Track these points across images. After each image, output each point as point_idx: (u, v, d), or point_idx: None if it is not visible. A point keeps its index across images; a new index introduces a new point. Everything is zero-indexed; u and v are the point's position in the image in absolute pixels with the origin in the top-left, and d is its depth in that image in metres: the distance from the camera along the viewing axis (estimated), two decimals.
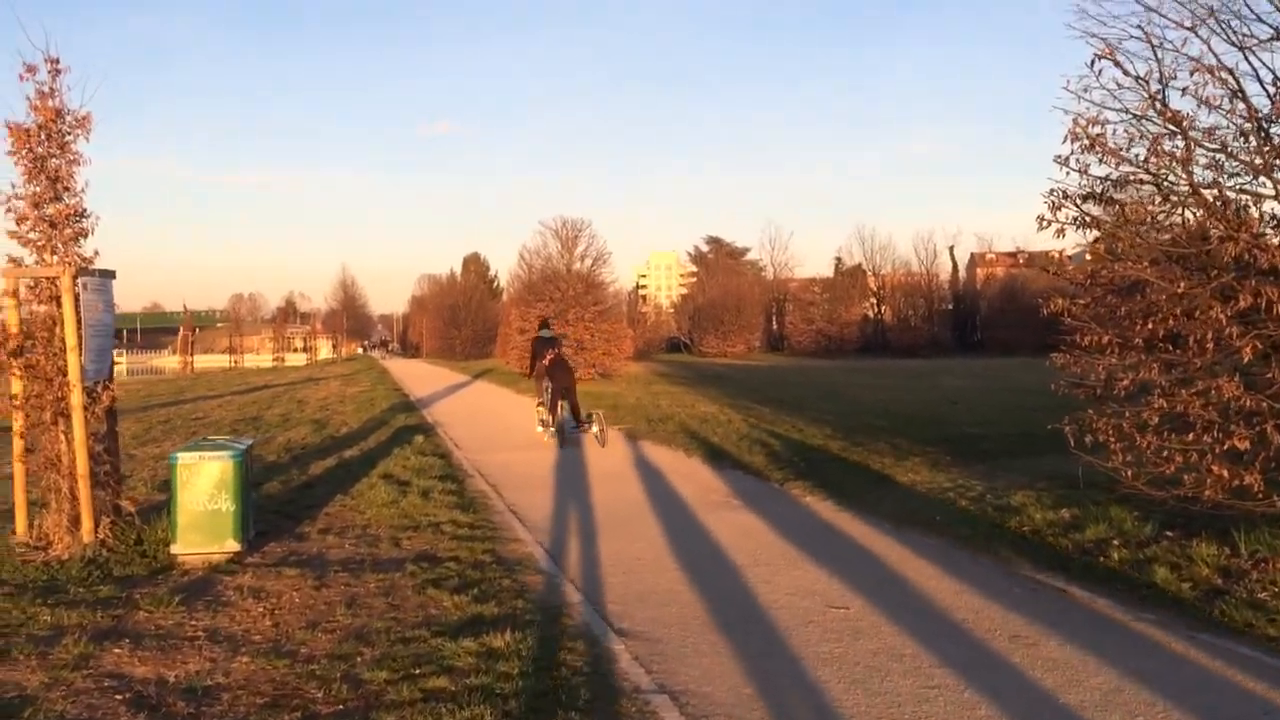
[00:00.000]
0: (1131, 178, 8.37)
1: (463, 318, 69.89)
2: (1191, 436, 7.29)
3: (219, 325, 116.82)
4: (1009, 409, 21.51)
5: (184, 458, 7.75)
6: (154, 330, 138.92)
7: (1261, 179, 7.58)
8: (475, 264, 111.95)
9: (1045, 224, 8.69)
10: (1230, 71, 7.59)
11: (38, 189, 7.81)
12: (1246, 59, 7.65)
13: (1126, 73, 8.22)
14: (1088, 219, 8.66)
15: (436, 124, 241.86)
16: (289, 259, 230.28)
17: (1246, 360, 7.13)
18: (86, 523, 7.62)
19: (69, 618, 6.09)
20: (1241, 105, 7.60)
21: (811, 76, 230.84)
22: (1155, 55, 7.97)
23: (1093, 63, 8.13)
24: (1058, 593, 7.03)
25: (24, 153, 7.78)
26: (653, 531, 9.22)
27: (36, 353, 7.72)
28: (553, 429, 16.57)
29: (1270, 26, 7.67)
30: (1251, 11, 7.78)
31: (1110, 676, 5.30)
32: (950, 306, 79.46)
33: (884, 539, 8.85)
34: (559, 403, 16.86)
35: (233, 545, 7.77)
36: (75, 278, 7.66)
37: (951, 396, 25.79)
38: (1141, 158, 8.13)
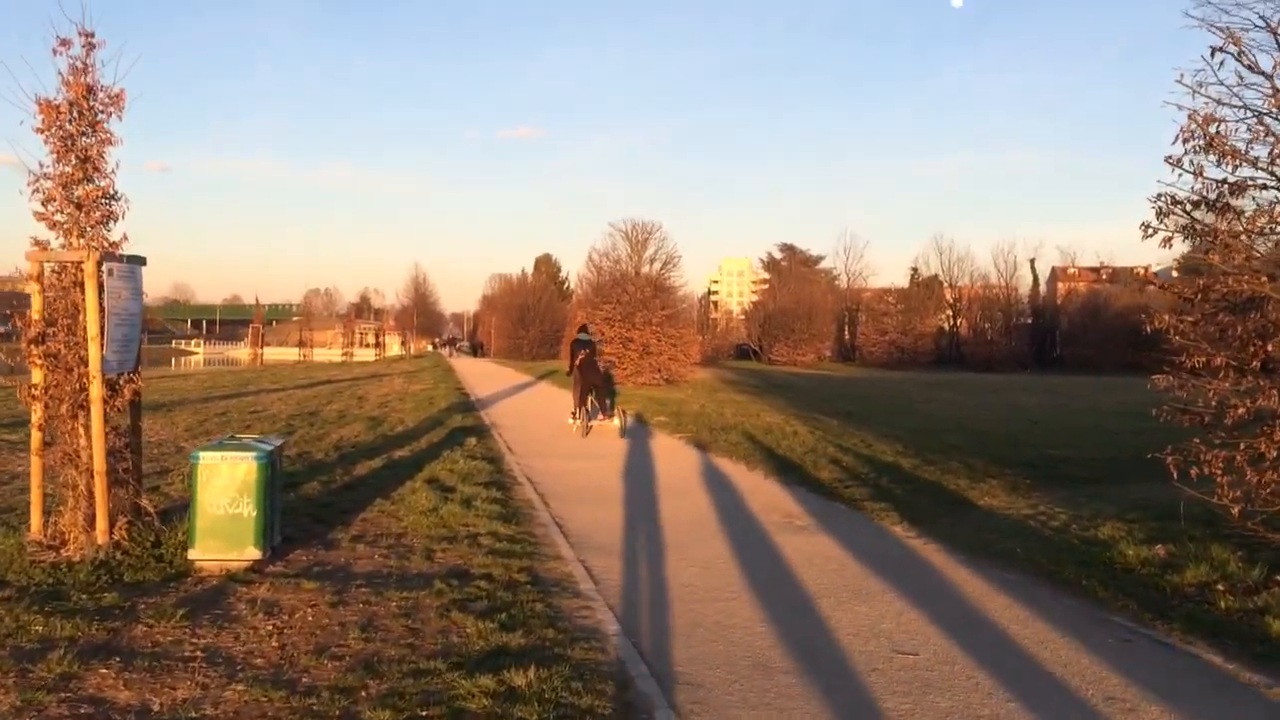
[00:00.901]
0: (1251, 182, 7.50)
1: (531, 318, 69.73)
2: None
3: (294, 319, 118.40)
4: (1092, 431, 20.47)
5: (205, 457, 7.27)
6: (233, 322, 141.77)
7: None
8: (546, 265, 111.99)
9: (1150, 231, 7.85)
10: None
11: (67, 169, 7.41)
12: None
13: (1250, 66, 7.37)
14: (1198, 227, 7.79)
15: (518, 128, 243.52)
16: (366, 256, 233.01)
17: None
18: (101, 523, 7.18)
19: (62, 629, 5.62)
20: None
21: (891, 86, 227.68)
22: None
23: (1213, 53, 7.30)
24: (1157, 645, 6.21)
25: (54, 130, 7.38)
26: (707, 554, 8.55)
27: (58, 341, 7.31)
28: (580, 420, 18.42)
29: None
30: None
31: None
32: (1029, 321, 77.36)
33: (959, 571, 8.06)
34: (588, 397, 18.72)
35: (253, 553, 7.27)
36: (100, 263, 7.23)
37: (1031, 415, 24.69)
38: (1265, 159, 7.27)
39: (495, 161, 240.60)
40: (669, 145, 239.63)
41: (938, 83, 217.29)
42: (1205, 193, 7.55)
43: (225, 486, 7.23)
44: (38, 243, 7.41)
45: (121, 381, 7.54)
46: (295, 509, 9.75)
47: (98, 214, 7.45)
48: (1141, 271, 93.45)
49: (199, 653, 5.40)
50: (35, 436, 7.45)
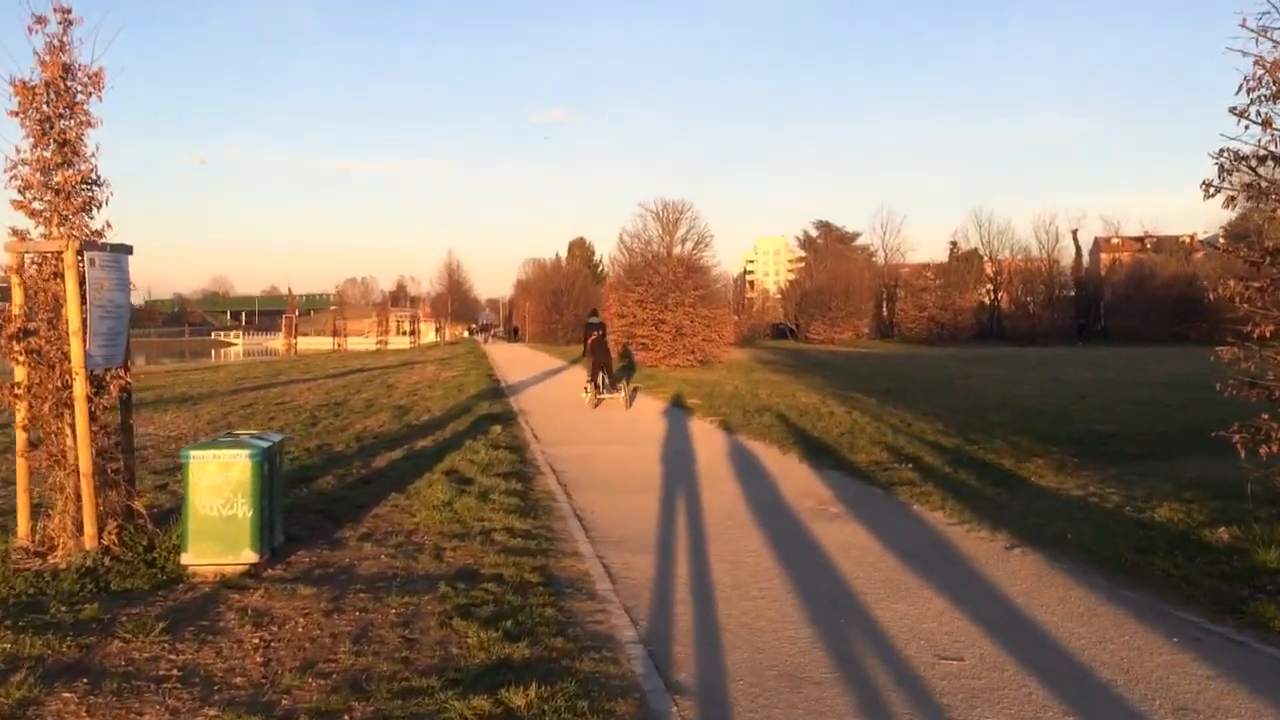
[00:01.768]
0: None
1: (565, 302, 69.32)
2: None
3: (331, 308, 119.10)
4: (1142, 404, 19.68)
5: (196, 455, 6.85)
6: (272, 313, 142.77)
7: None
8: (580, 248, 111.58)
9: (1212, 191, 7.18)
10: None
11: (45, 153, 6.99)
12: None
13: None
14: (1264, 184, 7.12)
15: (551, 111, 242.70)
16: (403, 244, 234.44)
17: None
18: (89, 527, 6.78)
19: (31, 646, 5.20)
20: None
21: (926, 55, 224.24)
22: None
23: None
24: (1230, 644, 5.61)
25: (30, 113, 6.96)
26: (734, 546, 8.02)
27: (39, 336, 6.91)
28: (590, 393, 21.23)
29: None
30: None
31: None
32: (1072, 293, 75.88)
33: (1005, 562, 7.48)
34: (599, 373, 21.60)
35: (249, 556, 6.84)
36: (80, 252, 6.80)
37: (1078, 389, 23.89)
38: None
39: (529, 145, 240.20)
40: (702, 124, 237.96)
41: (974, 50, 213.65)
42: (1273, 146, 6.87)
43: (218, 486, 6.80)
44: (16, 232, 7.03)
45: (108, 377, 7.14)
46: (306, 505, 9.36)
47: (78, 200, 7.03)
48: (1188, 240, 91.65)
49: (175, 671, 4.96)
50: (20, 437, 7.08)
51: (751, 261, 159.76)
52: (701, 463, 12.72)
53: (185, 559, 6.79)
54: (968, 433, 14.80)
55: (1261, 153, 6.97)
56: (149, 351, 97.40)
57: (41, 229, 7.04)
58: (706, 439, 15.19)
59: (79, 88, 7.08)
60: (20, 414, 7.00)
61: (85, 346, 6.78)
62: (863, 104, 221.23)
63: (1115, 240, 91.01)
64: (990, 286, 77.74)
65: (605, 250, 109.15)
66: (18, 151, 6.96)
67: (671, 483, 11.17)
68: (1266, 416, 6.88)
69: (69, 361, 6.81)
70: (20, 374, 6.95)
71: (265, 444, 7.12)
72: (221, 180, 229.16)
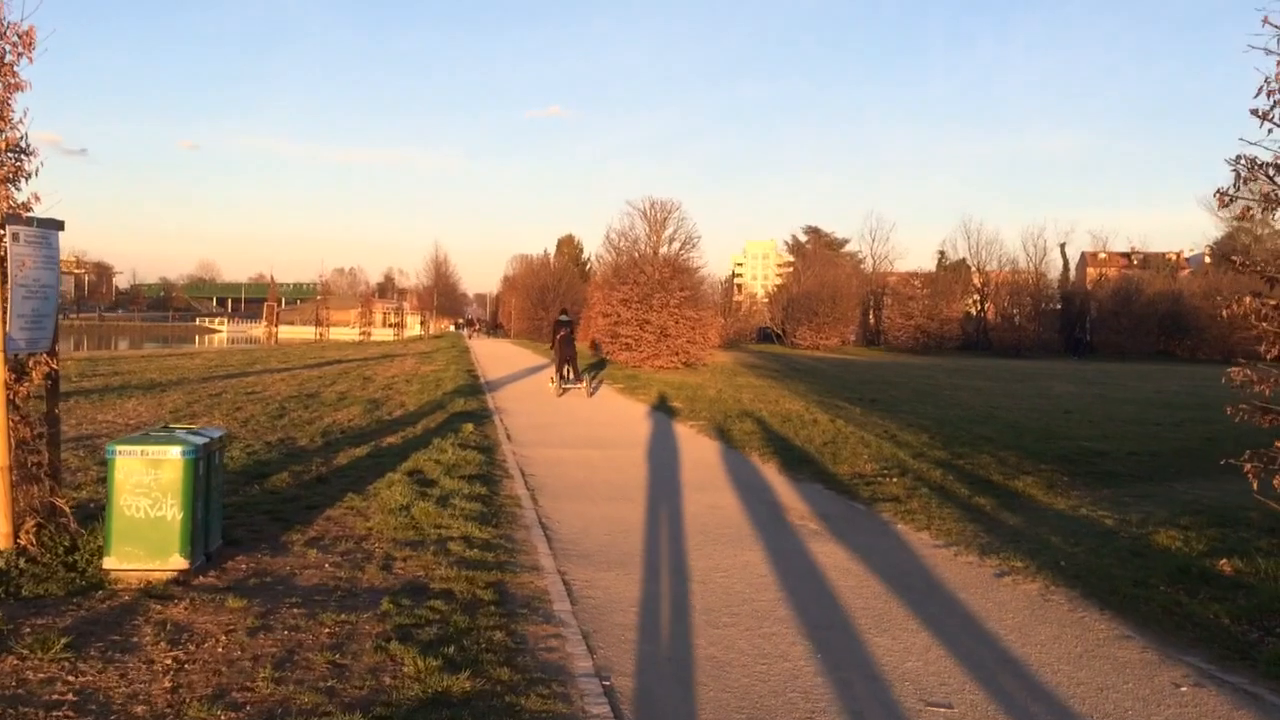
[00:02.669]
0: None
1: (551, 299, 68.59)
2: None
3: (318, 298, 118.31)
4: (1130, 422, 19.23)
5: (122, 450, 6.29)
6: (259, 300, 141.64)
7: None
8: (569, 246, 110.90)
9: (1227, 200, 6.70)
10: None
11: None
12: None
13: None
14: None
15: (547, 108, 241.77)
16: (392, 236, 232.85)
17: None
18: (3, 525, 6.22)
19: None
20: None
21: (920, 66, 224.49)
22: None
23: None
24: (1243, 695, 5.11)
25: None
26: (707, 565, 7.50)
27: None
28: (558, 384, 23.30)
29: None
30: None
31: None
32: (1058, 306, 75.62)
33: (995, 592, 6.97)
34: (565, 366, 23.63)
35: (178, 562, 6.29)
36: (2, 225, 6.24)
37: (1063, 404, 23.46)
38: None
39: (523, 142, 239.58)
40: (696, 126, 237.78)
41: (967, 63, 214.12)
42: None
43: (146, 485, 6.25)
44: None
45: (31, 363, 6.57)
46: (254, 504, 8.81)
47: (3, 170, 6.46)
48: (1174, 257, 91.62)
49: (70, 696, 4.41)
50: None
51: (740, 265, 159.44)
52: (678, 470, 12.20)
53: (108, 563, 6.23)
54: (953, 446, 14.33)
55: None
56: (132, 336, 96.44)
57: None
58: (685, 445, 14.67)
59: (7, 47, 6.51)
60: None
61: (5, 328, 6.22)
62: (856, 111, 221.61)
63: (1102, 255, 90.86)
64: (977, 297, 77.39)
65: (594, 248, 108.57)
66: None
67: (644, 491, 10.66)
68: None
69: None
70: None
71: (201, 440, 6.57)
72: (212, 166, 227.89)
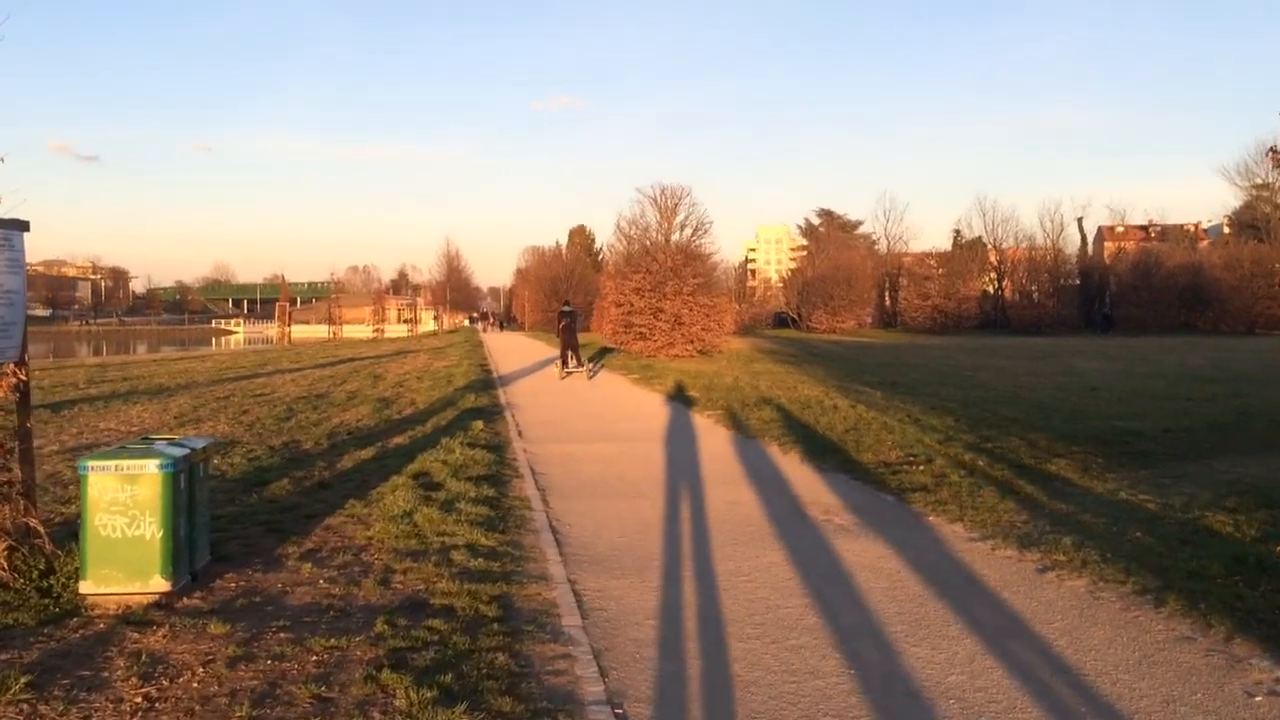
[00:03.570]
0: None
1: (564, 290, 68.21)
2: None
3: (332, 297, 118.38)
4: (1159, 397, 18.65)
5: (95, 466, 5.86)
6: (273, 300, 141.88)
7: None
8: (580, 236, 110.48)
9: None
10: None
11: None
12: None
13: None
14: None
15: (552, 99, 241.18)
16: (405, 232, 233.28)
17: None
18: None
19: None
20: None
21: (933, 41, 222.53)
22: None
23: None
24: None
25: None
26: (729, 569, 7.02)
27: None
28: (563, 370, 25.83)
29: None
30: None
31: None
32: (1077, 282, 74.70)
33: (1040, 590, 6.47)
34: (567, 352, 26.32)
35: (160, 584, 5.86)
36: None
37: (1088, 381, 22.87)
38: None
39: (533, 134, 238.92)
40: (706, 113, 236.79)
41: (980, 37, 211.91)
42: None
43: (122, 503, 5.82)
44: None
45: None
46: (252, 514, 8.39)
47: None
48: (1192, 229, 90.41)
49: None
50: None
51: (753, 250, 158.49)
52: (695, 464, 11.73)
53: (84, 588, 5.81)
54: (980, 429, 13.82)
55: None
56: (150, 340, 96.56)
57: None
58: (702, 436, 14.20)
59: None
60: None
61: None
62: (866, 90, 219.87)
63: (1120, 229, 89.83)
64: (994, 275, 76.53)
65: (606, 238, 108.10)
66: None
67: (660, 487, 10.19)
68: None
69: None
70: None
71: (181, 451, 6.13)
72: (225, 168, 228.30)
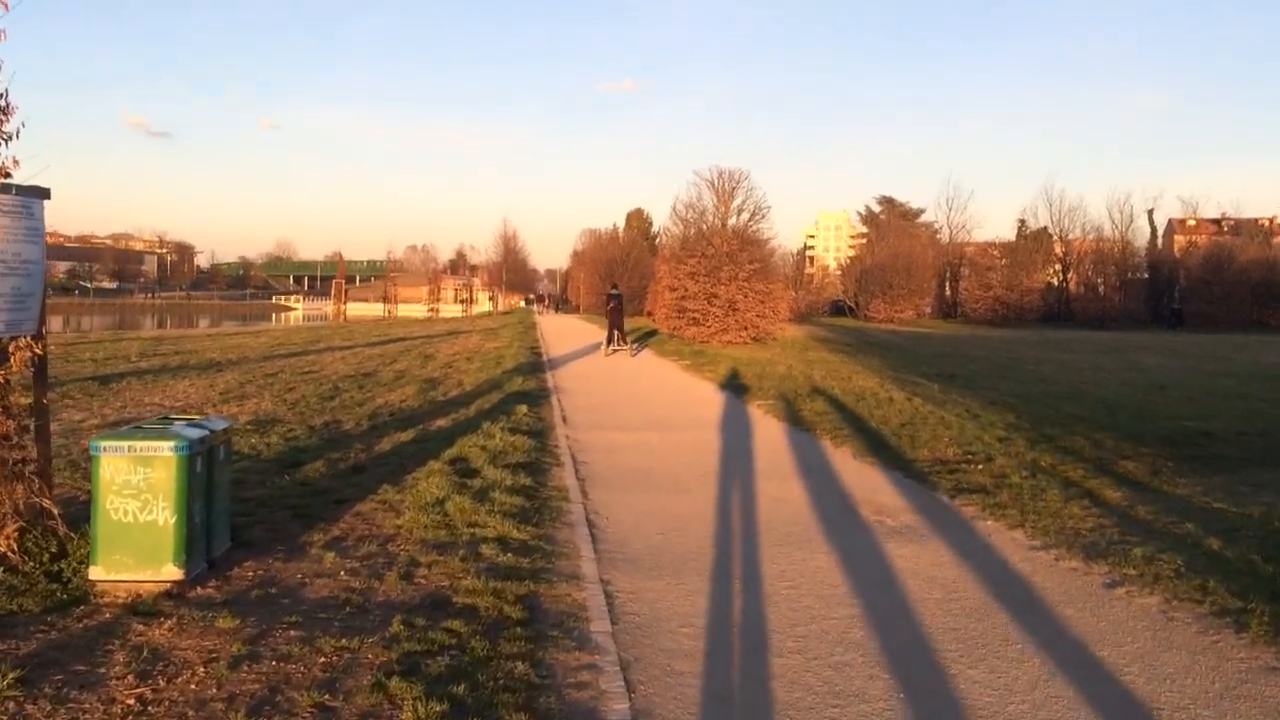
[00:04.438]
0: None
1: (619, 273, 67.84)
2: None
3: (390, 275, 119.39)
4: (1232, 398, 17.84)
5: (108, 446, 5.60)
6: (333, 278, 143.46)
7: None
8: (638, 219, 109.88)
9: None
10: None
11: None
12: None
13: None
14: None
15: (622, 82, 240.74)
16: (466, 212, 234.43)
17: None
18: None
19: None
20: None
21: (1000, 26, 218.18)
22: None
23: None
24: None
25: None
26: (771, 572, 6.62)
27: None
28: (609, 348, 28.12)
29: None
30: None
31: None
32: (1145, 276, 72.68)
33: (1108, 607, 5.97)
34: (614, 333, 28.51)
35: (172, 571, 5.60)
36: None
37: (1156, 378, 22.02)
38: None
39: (593, 116, 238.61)
40: (767, 97, 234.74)
41: (1049, 19, 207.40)
42: None
43: (135, 485, 5.56)
44: None
45: (13, 348, 5.91)
46: (282, 498, 8.14)
47: None
48: (1267, 223, 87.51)
49: None
50: None
51: (812, 236, 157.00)
52: (741, 456, 11.31)
53: (94, 573, 5.56)
54: (1042, 427, 13.23)
55: None
56: (212, 314, 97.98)
57: None
58: (751, 427, 13.76)
59: None
60: None
61: None
62: (932, 74, 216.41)
63: (1191, 222, 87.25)
64: (1059, 267, 74.72)
65: (663, 222, 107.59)
66: None
67: (703, 480, 9.79)
68: None
69: None
70: None
71: (199, 433, 5.86)
72: (292, 145, 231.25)
